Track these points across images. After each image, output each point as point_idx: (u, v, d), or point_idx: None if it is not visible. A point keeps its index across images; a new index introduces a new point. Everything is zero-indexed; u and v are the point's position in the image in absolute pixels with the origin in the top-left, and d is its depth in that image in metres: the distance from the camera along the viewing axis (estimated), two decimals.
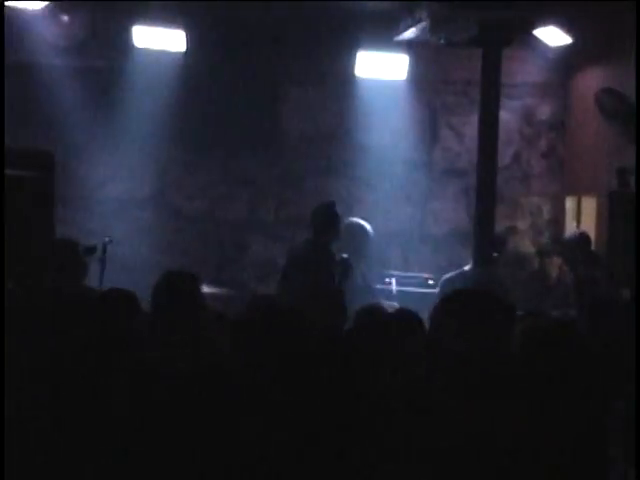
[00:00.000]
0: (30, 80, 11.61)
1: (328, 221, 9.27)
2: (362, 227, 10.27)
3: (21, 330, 5.43)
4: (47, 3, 10.70)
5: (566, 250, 10.34)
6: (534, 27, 10.64)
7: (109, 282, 7.75)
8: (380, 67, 11.81)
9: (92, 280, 8.15)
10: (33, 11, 10.84)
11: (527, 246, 12.92)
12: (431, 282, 10.93)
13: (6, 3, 10.61)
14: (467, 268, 10.05)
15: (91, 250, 8.26)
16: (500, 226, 11.55)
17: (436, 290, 10.02)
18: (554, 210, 12.94)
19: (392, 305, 8.73)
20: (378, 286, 10.43)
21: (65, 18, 11.62)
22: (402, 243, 12.48)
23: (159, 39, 11.25)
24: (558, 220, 12.81)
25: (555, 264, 11.69)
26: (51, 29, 11.64)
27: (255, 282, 12.16)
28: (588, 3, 10.12)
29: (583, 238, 10.23)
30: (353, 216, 10.96)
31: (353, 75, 11.88)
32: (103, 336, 5.22)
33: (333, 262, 9.04)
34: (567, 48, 11.17)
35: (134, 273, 10.16)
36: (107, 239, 9.07)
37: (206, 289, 9.00)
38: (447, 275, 10.07)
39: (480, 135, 10.75)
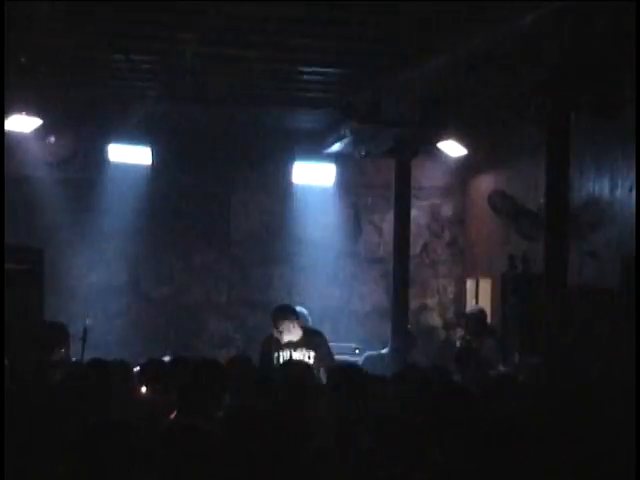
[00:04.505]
0: (22, 190, 11.71)
1: None
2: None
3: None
4: (37, 126, 10.73)
5: (466, 322, 10.43)
6: (437, 141, 10.81)
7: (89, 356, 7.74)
8: (312, 175, 12.08)
9: (75, 355, 8.15)
10: (25, 133, 10.86)
11: (435, 320, 13.07)
12: (357, 350, 11.04)
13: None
14: (384, 351, 10.17)
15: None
16: (413, 304, 11.67)
17: (360, 357, 10.17)
18: (457, 290, 13.16)
19: None
20: None
21: (52, 139, 11.75)
22: (333, 318, 12.68)
23: (129, 155, 11.36)
24: (460, 298, 12.98)
25: (458, 334, 11.82)
26: (40, 148, 11.72)
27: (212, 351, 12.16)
28: (479, 123, 10.33)
29: (480, 312, 10.32)
30: (293, 298, 11.03)
31: (290, 182, 12.15)
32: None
33: None
34: (464, 158, 11.42)
35: (110, 348, 10.16)
36: (88, 321, 9.07)
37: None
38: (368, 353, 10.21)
39: (395, 229, 11.03)
